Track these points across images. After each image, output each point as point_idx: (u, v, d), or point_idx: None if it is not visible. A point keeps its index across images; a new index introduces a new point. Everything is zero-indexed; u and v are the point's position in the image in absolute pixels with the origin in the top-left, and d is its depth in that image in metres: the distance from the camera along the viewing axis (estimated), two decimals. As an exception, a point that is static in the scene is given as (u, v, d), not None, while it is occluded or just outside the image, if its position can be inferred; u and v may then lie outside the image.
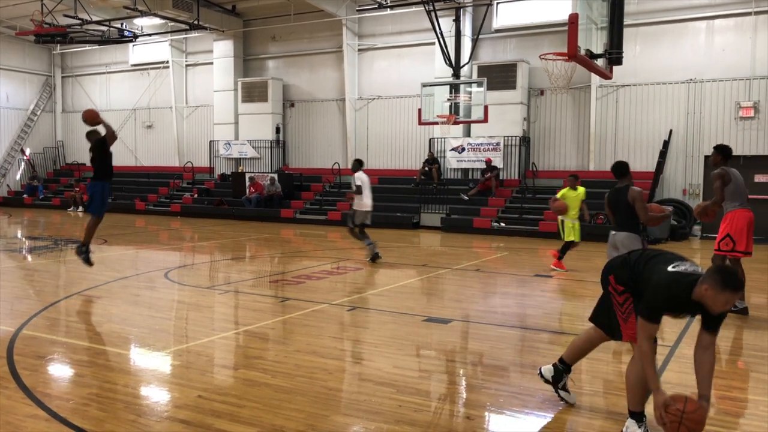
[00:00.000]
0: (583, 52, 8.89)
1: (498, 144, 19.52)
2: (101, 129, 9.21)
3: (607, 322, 4.40)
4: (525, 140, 19.59)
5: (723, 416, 4.60)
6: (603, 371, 5.63)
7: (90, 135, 9.35)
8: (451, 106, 17.09)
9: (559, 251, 11.44)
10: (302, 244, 14.68)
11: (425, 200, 19.65)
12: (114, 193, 25.49)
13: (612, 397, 4.86)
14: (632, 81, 18.23)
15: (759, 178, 16.94)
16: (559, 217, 11.43)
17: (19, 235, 17.75)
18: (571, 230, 11.29)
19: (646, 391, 3.99)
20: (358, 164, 12.34)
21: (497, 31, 20.15)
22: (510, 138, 19.49)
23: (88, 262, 9.37)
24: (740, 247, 7.45)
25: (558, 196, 11.37)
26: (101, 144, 9.18)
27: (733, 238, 7.48)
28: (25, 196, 27.49)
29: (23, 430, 4.18)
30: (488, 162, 19.41)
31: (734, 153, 18.05)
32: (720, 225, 7.67)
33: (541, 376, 4.75)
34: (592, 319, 4.60)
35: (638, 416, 4.02)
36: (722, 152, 7.72)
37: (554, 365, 4.71)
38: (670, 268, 3.82)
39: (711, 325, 3.85)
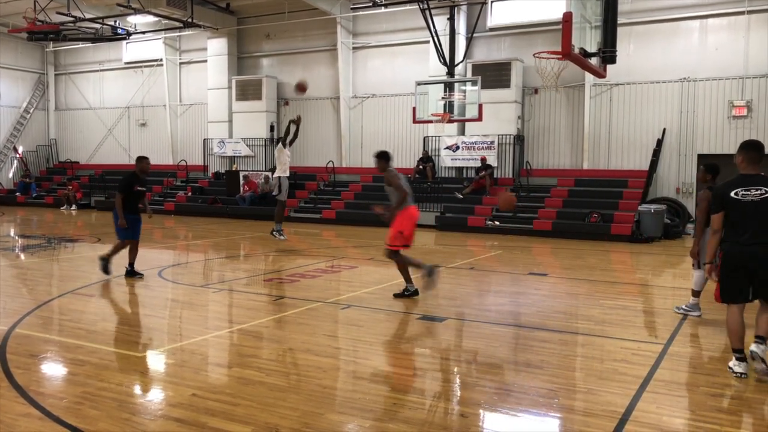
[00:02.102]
0: (577, 51, 8.90)
1: (492, 142, 19.54)
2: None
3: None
4: (519, 139, 19.61)
5: (718, 414, 4.62)
6: (597, 369, 5.64)
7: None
8: (445, 105, 17.10)
9: None
10: (296, 242, 14.66)
11: (420, 198, 19.56)
12: (108, 191, 25.44)
13: (606, 395, 4.88)
14: (626, 80, 18.28)
15: (752, 176, 17.00)
16: None
17: (11, 233, 17.67)
18: None
19: (739, 335, 5.30)
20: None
21: (492, 29, 20.15)
22: (504, 136, 19.52)
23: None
24: (408, 241, 8.36)
25: None
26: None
27: (404, 234, 8.27)
28: (17, 194, 27.34)
29: (16, 428, 4.16)
30: (483, 160, 19.43)
31: (727, 152, 18.20)
32: (394, 222, 8.32)
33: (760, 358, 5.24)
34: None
35: (739, 352, 5.27)
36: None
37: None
38: None
39: None
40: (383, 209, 8.52)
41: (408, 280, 8.50)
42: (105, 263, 9.58)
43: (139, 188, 9.64)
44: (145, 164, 9.70)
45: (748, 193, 5.20)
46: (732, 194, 5.24)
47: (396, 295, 8.46)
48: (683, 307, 7.71)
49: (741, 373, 5.25)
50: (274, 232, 13.18)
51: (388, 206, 8.46)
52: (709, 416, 4.53)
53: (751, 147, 5.36)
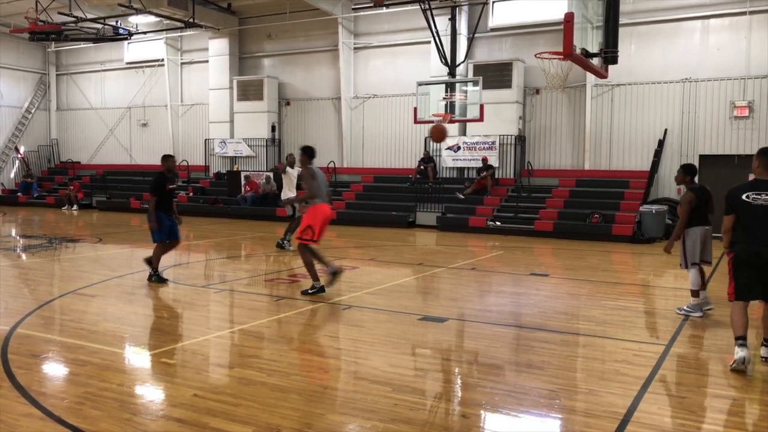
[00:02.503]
0: (578, 51, 8.90)
1: (494, 143, 19.53)
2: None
3: None
4: (520, 139, 19.60)
5: (720, 415, 4.61)
6: (598, 370, 5.64)
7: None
8: (446, 105, 17.05)
9: None
10: (297, 243, 14.68)
11: (421, 199, 19.65)
12: (109, 191, 25.50)
13: (608, 396, 4.87)
14: (627, 80, 18.25)
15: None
16: None
17: (13, 233, 17.69)
18: None
19: (743, 325, 5.49)
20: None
21: (493, 29, 20.14)
22: (505, 137, 19.51)
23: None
24: (317, 237, 8.66)
25: None
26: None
27: (313, 228, 8.56)
28: (19, 194, 27.36)
29: (18, 429, 4.16)
30: (484, 161, 19.42)
31: (728, 152, 18.09)
32: (303, 218, 8.76)
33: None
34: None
35: (741, 339, 5.48)
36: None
37: None
38: None
39: None
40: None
41: (315, 278, 8.67)
42: (156, 276, 9.45)
43: (170, 187, 9.61)
44: (170, 162, 9.66)
45: (759, 197, 5.52)
46: (743, 197, 5.57)
47: (304, 293, 8.64)
48: (684, 308, 7.72)
49: (744, 358, 5.39)
50: (284, 242, 13.36)
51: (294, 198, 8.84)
52: (711, 417, 4.53)
53: (766, 154, 5.68)
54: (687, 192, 7.61)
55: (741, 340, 5.48)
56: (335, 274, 8.71)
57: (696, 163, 17.71)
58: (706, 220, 7.63)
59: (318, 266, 8.74)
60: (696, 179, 7.90)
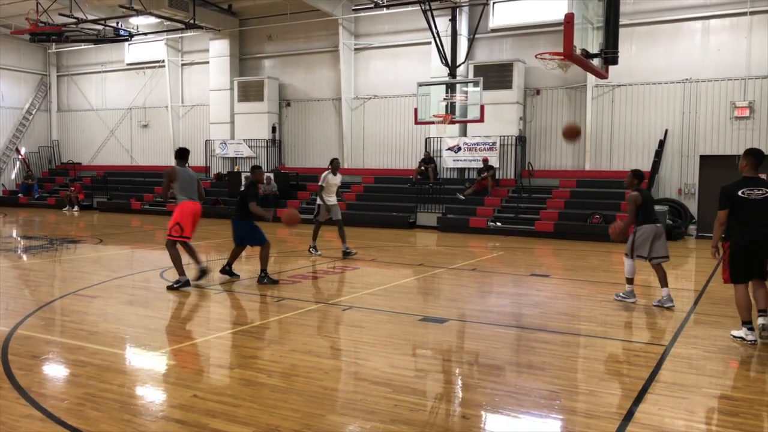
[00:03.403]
0: (579, 52, 8.89)
1: (494, 143, 19.53)
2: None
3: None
4: (521, 140, 19.60)
5: (720, 416, 4.61)
6: (599, 371, 5.64)
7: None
8: (447, 106, 17.07)
9: None
10: (298, 243, 14.66)
11: (421, 200, 19.65)
12: (110, 192, 25.51)
13: (608, 397, 4.87)
14: (628, 81, 18.26)
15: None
16: None
17: (14, 234, 17.69)
18: None
19: (748, 309, 6.30)
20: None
21: (493, 30, 20.15)
22: (506, 137, 19.51)
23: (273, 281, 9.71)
24: (186, 233, 9.10)
25: None
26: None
27: (181, 225, 9.05)
28: (20, 195, 27.39)
29: (18, 430, 4.16)
30: (485, 161, 19.42)
31: (729, 153, 18.08)
32: (173, 214, 9.23)
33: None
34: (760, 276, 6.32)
35: (747, 324, 6.33)
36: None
37: None
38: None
39: None
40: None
41: (181, 272, 9.06)
42: (267, 277, 9.63)
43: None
44: (258, 174, 9.97)
45: (752, 192, 6.27)
46: (739, 193, 6.29)
47: (169, 288, 9.05)
48: (620, 294, 8.50)
49: (753, 341, 6.26)
50: (310, 249, 13.15)
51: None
52: (711, 418, 4.52)
53: (752, 154, 6.46)
54: (634, 193, 8.23)
55: (748, 324, 6.30)
56: (203, 272, 9.34)
57: (697, 163, 17.75)
58: (656, 219, 8.32)
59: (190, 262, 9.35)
60: (642, 184, 8.52)
